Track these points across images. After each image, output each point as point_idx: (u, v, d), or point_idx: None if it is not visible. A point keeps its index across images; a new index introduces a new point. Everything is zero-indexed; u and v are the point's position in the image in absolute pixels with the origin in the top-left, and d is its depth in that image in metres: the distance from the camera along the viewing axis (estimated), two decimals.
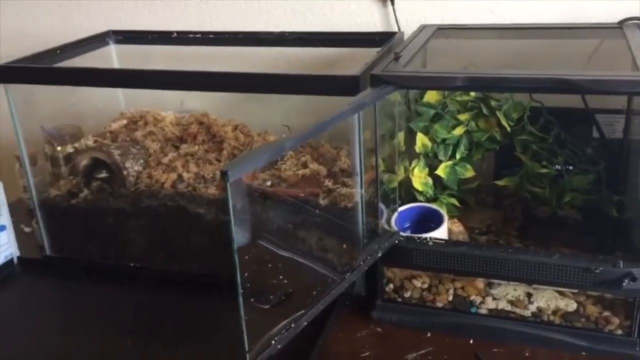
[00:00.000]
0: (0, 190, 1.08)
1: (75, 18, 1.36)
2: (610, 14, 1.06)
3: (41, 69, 1.04)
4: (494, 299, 0.90)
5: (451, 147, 1.00)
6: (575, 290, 0.87)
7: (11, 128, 1.07)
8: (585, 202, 0.98)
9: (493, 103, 1.00)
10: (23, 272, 1.09)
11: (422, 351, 0.87)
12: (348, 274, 0.85)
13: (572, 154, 0.98)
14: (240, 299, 0.69)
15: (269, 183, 1.04)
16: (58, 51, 1.10)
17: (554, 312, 0.88)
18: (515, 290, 0.89)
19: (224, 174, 0.64)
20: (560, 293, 0.88)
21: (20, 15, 1.40)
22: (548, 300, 0.88)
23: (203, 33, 1.22)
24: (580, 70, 0.85)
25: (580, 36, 1.05)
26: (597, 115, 1.01)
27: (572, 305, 0.87)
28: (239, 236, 0.70)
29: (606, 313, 0.86)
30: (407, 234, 0.93)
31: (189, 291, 1.00)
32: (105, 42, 1.22)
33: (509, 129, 0.98)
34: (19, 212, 1.23)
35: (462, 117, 1.00)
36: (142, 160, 1.09)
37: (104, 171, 1.08)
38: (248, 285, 0.71)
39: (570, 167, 0.98)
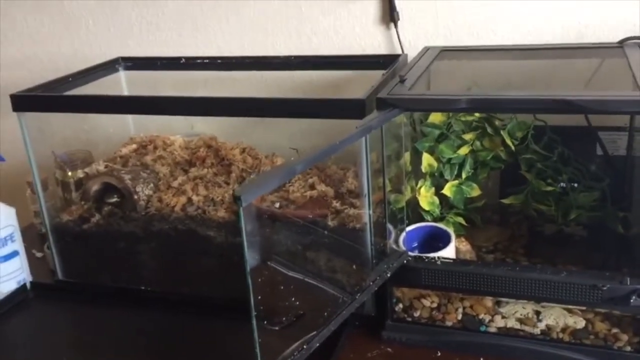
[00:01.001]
0: (13, 216, 1.10)
1: (84, 43, 1.39)
2: (610, 34, 1.08)
3: (54, 97, 1.06)
4: (503, 317, 0.91)
5: (457, 167, 1.02)
6: (584, 308, 0.87)
7: (21, 154, 1.08)
8: (590, 219, 0.99)
9: (497, 122, 1.02)
10: (36, 297, 1.10)
11: None
12: (358, 295, 0.86)
13: (577, 172, 0.99)
14: (254, 321, 0.70)
15: (277, 205, 1.06)
16: (70, 79, 1.12)
17: (563, 330, 0.88)
18: (524, 308, 0.90)
19: (236, 198, 0.65)
20: (569, 310, 0.88)
21: (28, 40, 1.43)
22: (557, 317, 0.89)
23: (211, 58, 1.24)
24: (582, 90, 0.87)
25: (581, 56, 1.07)
26: (600, 133, 1.03)
27: (581, 323, 0.88)
28: (250, 257, 0.71)
29: (615, 330, 0.86)
30: (415, 253, 0.94)
31: (200, 313, 1.01)
32: (114, 69, 1.25)
33: (513, 147, 0.99)
34: (31, 237, 1.24)
35: (467, 136, 1.02)
36: (152, 184, 1.11)
37: (115, 196, 1.10)
38: (260, 307, 0.72)
39: (575, 185, 0.99)
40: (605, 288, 0.82)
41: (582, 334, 0.87)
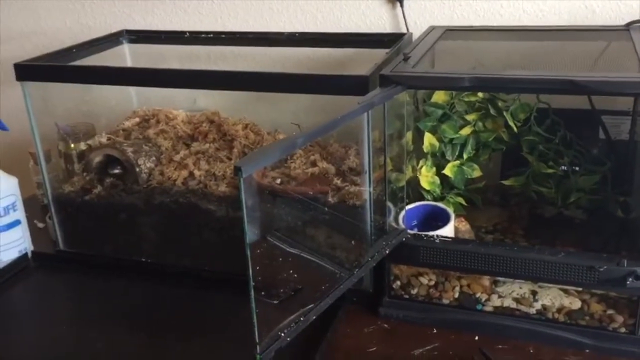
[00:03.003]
0: (16, 185, 1.10)
1: (89, 17, 1.39)
2: (617, 17, 1.07)
3: (58, 67, 1.06)
4: (500, 296, 0.91)
5: (458, 147, 1.02)
6: (580, 289, 0.88)
7: (24, 125, 1.09)
8: (590, 202, 0.99)
9: (500, 104, 1.01)
10: (37, 267, 1.11)
11: (428, 347, 0.88)
12: (356, 270, 0.87)
13: (578, 155, 0.99)
14: (252, 292, 0.70)
15: (278, 181, 1.06)
16: (74, 50, 1.12)
17: (559, 310, 0.89)
18: (520, 288, 0.91)
19: (237, 170, 0.66)
20: (565, 291, 0.89)
21: (34, 13, 1.43)
22: (553, 298, 0.89)
23: (215, 33, 1.24)
24: (587, 71, 0.87)
25: (587, 38, 1.06)
26: (604, 117, 1.02)
27: (577, 303, 0.88)
28: (250, 232, 0.71)
29: (610, 311, 0.87)
30: (415, 231, 0.95)
31: (199, 286, 1.02)
32: (119, 42, 1.25)
33: (515, 129, 0.99)
34: (33, 208, 1.25)
35: (470, 117, 1.02)
36: (154, 158, 1.11)
37: (118, 167, 1.10)
38: (258, 279, 0.72)
39: (576, 168, 0.99)
40: (602, 269, 0.83)
41: (577, 315, 0.88)
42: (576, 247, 0.94)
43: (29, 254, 1.12)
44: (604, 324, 0.87)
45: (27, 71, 1.04)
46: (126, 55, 1.26)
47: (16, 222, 1.10)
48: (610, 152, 1.01)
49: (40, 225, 1.24)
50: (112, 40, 1.23)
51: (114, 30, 1.26)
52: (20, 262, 1.10)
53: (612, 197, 0.97)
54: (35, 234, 1.17)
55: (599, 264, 0.83)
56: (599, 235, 0.97)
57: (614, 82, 0.79)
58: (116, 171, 1.11)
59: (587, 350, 0.86)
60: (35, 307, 1.04)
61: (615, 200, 0.97)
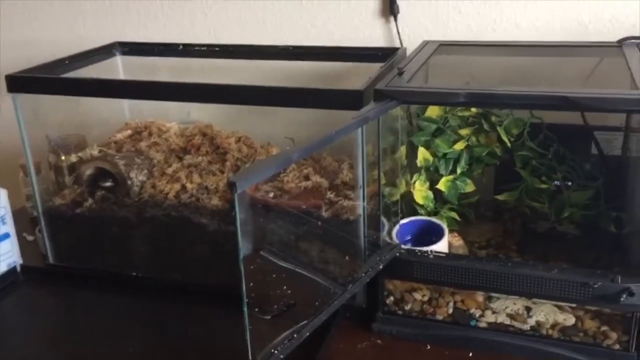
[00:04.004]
0: (5, 197, 1.09)
1: (81, 28, 1.38)
2: (610, 33, 1.08)
3: (49, 79, 1.05)
4: (494, 312, 0.91)
5: (452, 162, 1.02)
6: (574, 305, 0.88)
7: (13, 136, 1.08)
8: (584, 217, 0.99)
9: (494, 119, 1.02)
10: (26, 280, 1.10)
11: None
12: (349, 286, 0.86)
13: (571, 170, 0.99)
14: (246, 309, 0.69)
15: (271, 195, 1.05)
16: (66, 61, 1.11)
17: (553, 326, 0.88)
18: (514, 304, 0.90)
19: (232, 185, 0.65)
20: (559, 307, 0.89)
21: (27, 24, 1.42)
22: (547, 314, 0.89)
23: (208, 46, 1.24)
24: (580, 87, 0.87)
25: (580, 54, 1.07)
26: (596, 132, 1.03)
27: (571, 320, 0.88)
28: (243, 247, 0.71)
29: (604, 328, 0.87)
30: (408, 246, 0.94)
31: (191, 300, 1.01)
32: (111, 54, 1.24)
33: (509, 144, 0.99)
34: (22, 220, 1.24)
35: (463, 132, 1.02)
36: (146, 171, 1.10)
37: (109, 180, 1.09)
38: (252, 295, 0.72)
39: (569, 183, 0.99)
40: (596, 286, 0.82)
41: (571, 331, 0.87)
42: (569, 263, 0.94)
43: (18, 268, 1.11)
44: (598, 340, 0.86)
45: (19, 83, 1.03)
46: (119, 68, 1.26)
47: (5, 236, 1.09)
48: (603, 167, 1.02)
49: (30, 238, 1.23)
50: (104, 52, 1.23)
51: (106, 41, 1.26)
52: (9, 276, 1.09)
53: (605, 212, 0.98)
54: (24, 247, 1.15)
55: (593, 280, 0.83)
56: (592, 250, 0.97)
57: (606, 99, 0.79)
58: (107, 184, 1.10)
59: None
60: (24, 321, 1.02)
61: (608, 215, 0.97)
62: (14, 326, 1.01)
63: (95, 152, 1.15)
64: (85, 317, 1.01)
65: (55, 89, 1.05)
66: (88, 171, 1.11)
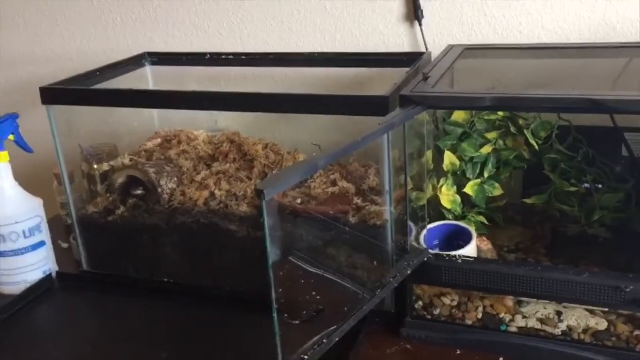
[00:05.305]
0: (41, 207, 1.12)
1: (111, 39, 1.41)
2: (638, 33, 1.06)
3: (82, 91, 1.08)
4: (524, 317, 0.90)
5: (479, 166, 1.01)
6: (606, 309, 0.87)
7: (48, 147, 1.11)
8: (614, 220, 0.98)
9: (521, 122, 1.01)
10: (61, 287, 1.12)
11: None
12: (378, 291, 0.86)
13: (601, 173, 0.98)
14: (275, 314, 0.70)
15: (299, 201, 1.06)
16: (97, 73, 1.14)
17: (585, 331, 0.88)
18: (545, 308, 0.90)
19: (259, 193, 0.66)
20: (591, 312, 0.88)
21: (58, 36, 1.46)
22: (578, 318, 0.88)
23: (235, 54, 1.25)
24: (608, 90, 0.86)
25: (608, 55, 1.06)
26: (626, 134, 1.01)
27: (603, 324, 0.87)
28: (272, 253, 0.72)
29: (637, 332, 0.85)
30: (436, 251, 0.94)
31: (221, 306, 1.02)
32: (141, 64, 1.27)
33: (537, 147, 0.98)
34: (57, 228, 1.26)
35: (490, 135, 1.01)
36: (175, 178, 1.12)
37: (140, 189, 1.11)
38: (281, 301, 0.72)
39: (600, 186, 0.98)
40: (628, 290, 0.81)
41: (603, 336, 0.86)
42: (600, 266, 0.93)
43: (54, 275, 1.13)
44: (631, 345, 0.85)
45: (52, 95, 1.06)
46: (148, 78, 1.28)
47: (41, 244, 1.12)
48: (634, 169, 1.00)
49: (65, 245, 1.26)
50: (134, 62, 1.25)
51: (136, 53, 1.28)
52: (45, 283, 1.11)
53: (637, 215, 0.96)
54: (59, 254, 1.18)
55: (625, 284, 0.82)
56: (623, 253, 0.96)
57: (635, 101, 0.78)
58: (139, 192, 1.12)
59: None
60: (60, 327, 1.05)
61: (639, 217, 0.96)
62: (50, 332, 1.03)
63: (126, 161, 1.17)
64: (119, 323, 1.03)
65: (88, 100, 1.07)
66: (120, 179, 1.14)
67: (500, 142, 1.01)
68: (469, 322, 0.93)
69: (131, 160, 1.17)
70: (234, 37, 1.32)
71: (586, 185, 0.98)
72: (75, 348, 0.97)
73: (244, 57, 1.25)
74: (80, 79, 1.12)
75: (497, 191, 1.01)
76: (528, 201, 1.02)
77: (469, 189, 1.01)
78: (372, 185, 1.05)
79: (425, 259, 0.91)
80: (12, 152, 1.12)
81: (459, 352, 0.91)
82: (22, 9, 1.46)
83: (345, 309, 0.83)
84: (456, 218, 1.01)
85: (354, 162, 1.11)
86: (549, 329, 0.89)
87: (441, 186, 1.01)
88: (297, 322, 0.84)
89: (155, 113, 1.30)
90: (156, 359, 0.93)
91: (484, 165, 1.01)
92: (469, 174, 1.01)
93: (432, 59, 1.10)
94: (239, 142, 1.16)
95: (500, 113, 1.01)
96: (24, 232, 1.09)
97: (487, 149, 1.01)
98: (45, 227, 1.12)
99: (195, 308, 1.03)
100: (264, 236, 0.69)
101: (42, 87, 1.06)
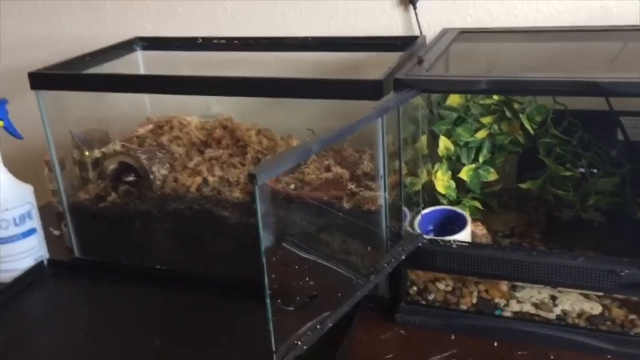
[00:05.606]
0: (31, 194, 1.11)
1: (102, 24, 1.39)
2: (635, 16, 1.06)
3: (72, 76, 1.06)
4: (519, 301, 0.90)
5: (474, 150, 1.01)
6: (601, 293, 0.86)
7: (38, 133, 1.09)
8: (609, 204, 0.97)
9: (516, 106, 1.00)
10: (52, 274, 1.12)
11: (446, 353, 0.87)
12: (372, 276, 0.86)
13: (596, 157, 0.98)
14: (268, 301, 0.70)
15: (292, 186, 1.05)
16: (87, 58, 1.12)
17: (579, 315, 0.87)
18: (539, 293, 0.89)
19: (252, 177, 0.65)
20: (585, 296, 0.87)
21: (46, 21, 1.43)
22: (573, 303, 0.88)
23: (227, 39, 1.23)
24: (604, 72, 0.85)
25: (604, 38, 1.05)
26: (622, 118, 1.01)
27: (598, 308, 0.87)
28: (265, 239, 0.71)
29: (632, 316, 0.85)
30: (431, 236, 0.94)
31: (214, 293, 1.02)
32: (132, 49, 1.25)
33: (532, 131, 0.98)
34: (48, 215, 1.25)
35: (485, 120, 1.01)
36: (168, 165, 1.11)
37: (132, 175, 1.10)
38: (274, 286, 0.72)
39: (595, 170, 0.97)
40: (623, 274, 0.81)
41: (598, 320, 0.86)
42: (595, 251, 0.93)
43: (45, 262, 1.13)
44: (626, 329, 0.85)
45: (42, 80, 1.04)
46: (139, 62, 1.27)
47: (32, 231, 1.11)
48: (629, 153, 1.00)
49: (56, 232, 1.25)
50: (125, 47, 1.24)
51: (125, 37, 1.27)
52: (37, 270, 1.11)
53: (632, 199, 0.96)
54: (50, 241, 1.17)
55: (620, 268, 0.81)
56: (618, 238, 0.96)
57: (632, 84, 0.78)
58: (130, 178, 1.11)
59: (609, 356, 0.85)
60: (51, 314, 1.04)
61: (635, 202, 0.96)
62: (41, 319, 1.02)
63: (117, 147, 1.16)
64: (111, 310, 1.02)
65: (78, 85, 1.06)
66: (111, 166, 1.12)
67: (495, 126, 1.00)
68: (464, 307, 0.92)
69: (123, 146, 1.16)
70: (227, 24, 1.30)
71: (581, 169, 0.97)
72: (67, 335, 0.96)
73: (236, 42, 1.23)
74: (70, 63, 1.10)
75: (492, 176, 1.01)
76: (523, 186, 1.01)
77: (463, 174, 1.00)
78: (366, 170, 1.04)
79: (420, 244, 0.91)
80: (2, 138, 1.11)
81: (453, 337, 0.90)
82: None
83: (339, 294, 0.83)
84: (451, 203, 1.01)
85: (348, 147, 1.10)
86: (543, 314, 0.89)
87: (436, 171, 1.00)
88: (291, 308, 0.84)
89: (146, 98, 1.29)
90: (148, 345, 0.92)
91: (478, 150, 1.01)
92: (463, 159, 1.00)
93: (427, 43, 1.09)
94: (231, 127, 1.15)
95: (495, 97, 1.01)
96: (14, 219, 1.07)
97: (482, 134, 1.00)
98: (36, 214, 1.11)
99: (187, 294, 1.03)
100: (257, 222, 0.68)
101: (31, 71, 1.04)
